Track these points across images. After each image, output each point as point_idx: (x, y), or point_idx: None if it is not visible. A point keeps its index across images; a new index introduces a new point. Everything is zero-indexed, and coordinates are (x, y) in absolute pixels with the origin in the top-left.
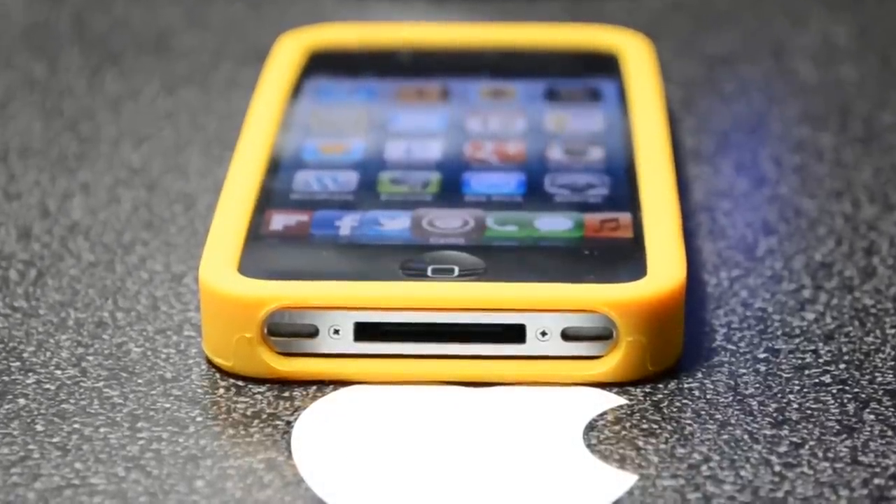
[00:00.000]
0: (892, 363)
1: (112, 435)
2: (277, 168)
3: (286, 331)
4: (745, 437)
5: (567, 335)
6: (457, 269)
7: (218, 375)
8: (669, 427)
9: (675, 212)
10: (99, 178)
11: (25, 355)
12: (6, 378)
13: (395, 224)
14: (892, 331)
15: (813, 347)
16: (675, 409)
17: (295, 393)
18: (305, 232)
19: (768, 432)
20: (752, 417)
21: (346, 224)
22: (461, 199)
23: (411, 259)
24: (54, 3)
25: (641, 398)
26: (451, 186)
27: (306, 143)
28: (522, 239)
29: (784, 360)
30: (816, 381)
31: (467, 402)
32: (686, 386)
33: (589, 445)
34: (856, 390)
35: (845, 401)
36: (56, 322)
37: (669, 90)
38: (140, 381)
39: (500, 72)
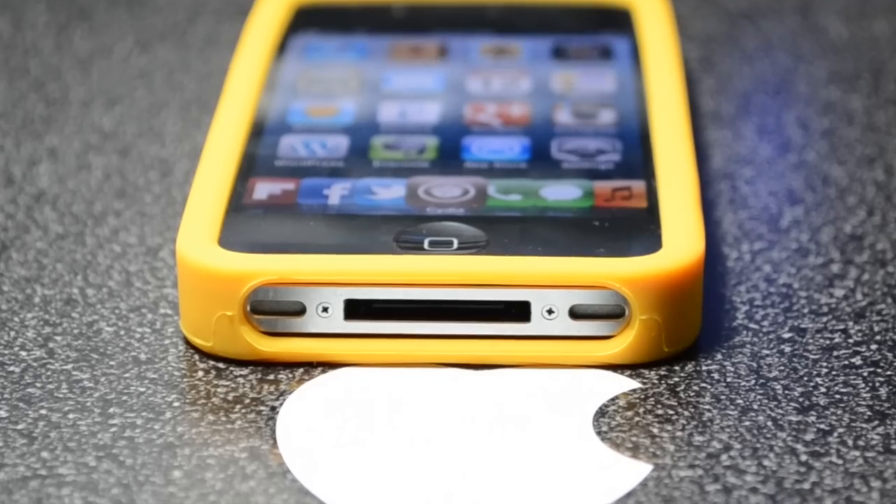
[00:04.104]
0: None
1: (82, 421)
2: (261, 132)
3: (271, 308)
4: (769, 423)
5: (575, 313)
6: (456, 242)
7: (197, 357)
8: (686, 413)
9: (693, 180)
10: (67, 143)
11: None
12: None
13: (389, 193)
14: None
15: (842, 327)
16: (692, 394)
17: (280, 376)
18: (292, 201)
19: (794, 419)
20: (776, 402)
21: (336, 193)
22: (460, 166)
23: (406, 231)
24: None
25: (656, 381)
26: (450, 152)
27: (292, 106)
28: (527, 209)
29: (811, 341)
30: (846, 363)
31: (467, 386)
32: (704, 368)
33: (600, 433)
34: (889, 373)
35: (877, 384)
36: (21, 299)
37: (687, 48)
38: (112, 363)
39: (504, 27)
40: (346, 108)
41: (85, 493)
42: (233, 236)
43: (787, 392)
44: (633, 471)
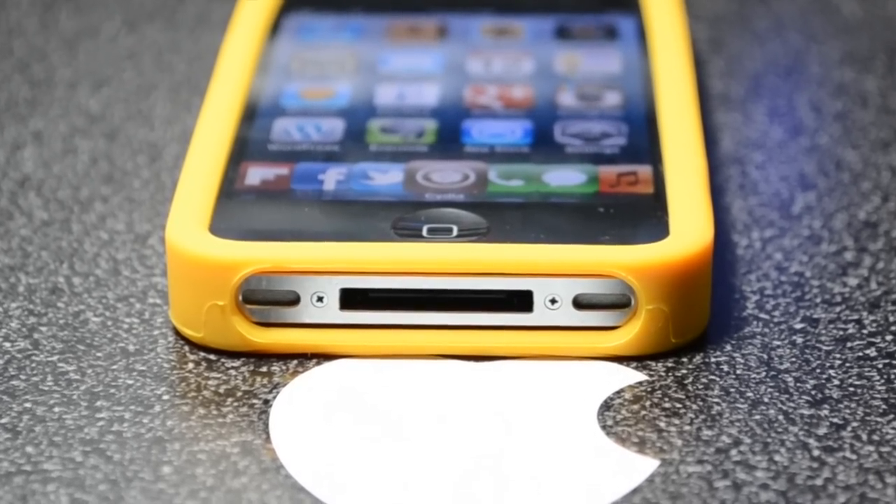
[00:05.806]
0: None
1: (68, 415)
2: (254, 115)
3: (264, 298)
4: (780, 417)
5: (580, 303)
6: (455, 229)
7: (187, 348)
8: (695, 406)
9: (701, 165)
10: (53, 127)
11: None
12: None
13: (387, 178)
14: None
15: (856, 317)
16: (700, 386)
17: (273, 368)
18: (285, 187)
19: (806, 412)
20: (787, 395)
21: (331, 178)
22: (460, 151)
23: (404, 217)
24: None
25: (663, 374)
26: (450, 136)
27: (286, 88)
28: (529, 195)
29: (823, 331)
30: (860, 354)
31: (467, 379)
32: (713, 360)
33: (604, 427)
34: None
35: (892, 377)
36: (5, 288)
37: (695, 28)
38: (99, 354)
39: (505, 6)
40: (342, 91)
41: (71, 489)
42: (224, 223)
43: (798, 385)
44: (640, 466)
